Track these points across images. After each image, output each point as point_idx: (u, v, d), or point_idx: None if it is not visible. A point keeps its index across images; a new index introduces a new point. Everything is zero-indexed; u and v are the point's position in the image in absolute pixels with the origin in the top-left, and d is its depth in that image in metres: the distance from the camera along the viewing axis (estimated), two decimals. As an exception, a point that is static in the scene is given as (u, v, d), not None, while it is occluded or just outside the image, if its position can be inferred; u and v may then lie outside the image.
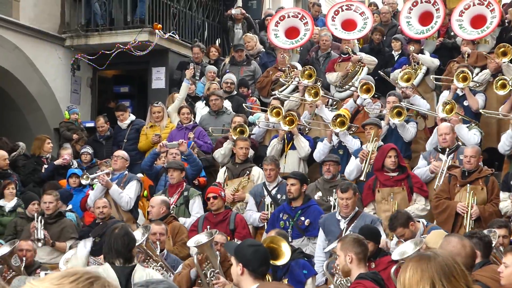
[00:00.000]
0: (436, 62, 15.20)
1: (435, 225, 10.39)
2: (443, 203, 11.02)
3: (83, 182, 12.82)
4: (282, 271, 9.49)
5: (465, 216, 10.78)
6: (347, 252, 7.37)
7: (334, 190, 11.55)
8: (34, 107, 17.38)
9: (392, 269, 8.58)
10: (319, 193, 11.90)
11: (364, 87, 13.87)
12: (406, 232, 9.51)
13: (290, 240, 10.25)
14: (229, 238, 10.85)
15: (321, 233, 10.68)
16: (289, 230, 10.86)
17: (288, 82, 15.18)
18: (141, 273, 7.00)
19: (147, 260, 9.75)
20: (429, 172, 12.01)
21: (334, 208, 11.48)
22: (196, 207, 12.34)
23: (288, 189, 11.22)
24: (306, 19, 16.47)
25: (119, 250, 7.08)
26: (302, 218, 10.94)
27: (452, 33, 16.03)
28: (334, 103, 14.86)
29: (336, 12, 16.30)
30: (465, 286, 4.12)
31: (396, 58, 16.02)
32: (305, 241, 10.98)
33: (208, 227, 10.85)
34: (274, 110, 13.76)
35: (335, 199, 11.50)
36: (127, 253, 7.14)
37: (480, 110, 13.14)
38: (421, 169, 12.15)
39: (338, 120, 12.90)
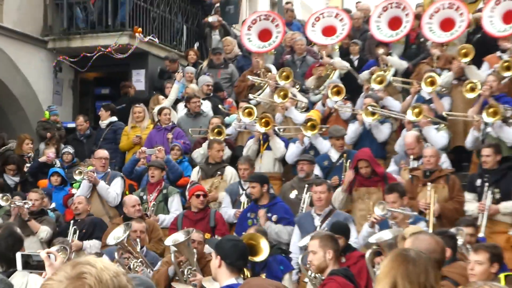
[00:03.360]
0: (404, 64, 15.25)
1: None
2: (408, 203, 11.02)
3: (76, 177, 12.75)
4: (260, 266, 9.49)
5: (427, 213, 10.81)
6: (327, 249, 7.31)
7: (306, 187, 11.60)
8: (17, 108, 17.28)
9: (367, 253, 8.66)
10: (295, 192, 11.88)
11: (335, 89, 13.88)
12: None
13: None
14: (209, 235, 10.86)
15: (296, 230, 10.69)
16: None
17: (264, 84, 15.12)
18: (19, 280, 6.05)
19: (127, 257, 9.77)
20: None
21: (303, 202, 11.54)
22: (175, 205, 12.41)
23: (250, 192, 11.32)
24: (277, 21, 16.49)
25: (3, 253, 6.29)
26: (269, 215, 10.93)
27: (422, 39, 16.02)
28: (303, 105, 14.80)
29: (317, 19, 16.33)
30: None
31: (355, 63, 16.02)
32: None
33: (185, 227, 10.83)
34: (246, 110, 13.77)
35: (308, 195, 11.51)
36: (11, 256, 6.00)
37: (444, 113, 13.18)
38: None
39: (309, 123, 12.92)
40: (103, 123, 15.45)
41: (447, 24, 15.17)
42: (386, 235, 8.78)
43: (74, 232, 11.38)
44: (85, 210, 11.80)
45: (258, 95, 15.04)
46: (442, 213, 10.94)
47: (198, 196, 11.42)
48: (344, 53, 16.58)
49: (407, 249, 4.39)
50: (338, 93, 13.83)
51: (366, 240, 9.83)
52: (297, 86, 15.02)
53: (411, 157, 12.02)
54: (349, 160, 12.28)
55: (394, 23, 15.73)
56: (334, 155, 12.62)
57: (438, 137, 12.56)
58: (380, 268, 4.29)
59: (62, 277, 2.80)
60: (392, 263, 4.23)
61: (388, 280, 4.16)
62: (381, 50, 15.16)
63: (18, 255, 5.72)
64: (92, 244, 11.21)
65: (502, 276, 5.66)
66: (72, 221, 11.61)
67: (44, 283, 2.86)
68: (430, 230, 9.60)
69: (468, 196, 11.23)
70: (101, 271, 2.83)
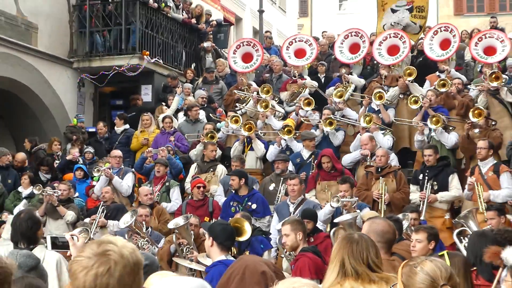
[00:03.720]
0: (362, 81, 15.29)
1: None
2: (363, 194, 11.23)
3: (95, 174, 12.76)
4: (244, 245, 9.54)
5: (379, 202, 10.98)
6: (297, 232, 7.36)
7: (282, 180, 11.71)
8: (48, 116, 17.22)
9: (331, 231, 8.76)
10: (273, 184, 11.90)
11: (306, 101, 13.91)
12: None
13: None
14: (208, 219, 10.93)
15: (275, 216, 10.77)
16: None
17: (247, 98, 15.12)
18: (38, 255, 5.91)
19: (135, 237, 9.81)
20: (358, 153, 12.41)
21: (279, 192, 11.64)
22: (175, 195, 12.48)
23: (230, 184, 11.39)
24: (257, 46, 16.49)
25: (23, 233, 6.25)
26: (249, 203, 10.96)
27: (375, 61, 16.08)
28: (280, 114, 14.81)
29: (290, 43, 16.31)
30: (365, 268, 4.19)
31: (322, 80, 16.06)
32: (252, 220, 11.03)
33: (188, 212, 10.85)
34: (233, 118, 13.78)
35: (283, 187, 11.58)
36: (31, 235, 6.23)
37: (393, 119, 13.27)
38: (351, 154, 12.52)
39: (286, 129, 12.95)
40: (118, 130, 15.43)
41: (393, 50, 15.23)
42: (346, 217, 8.88)
43: (102, 212, 11.40)
44: (110, 198, 11.82)
45: (244, 106, 15.04)
46: (391, 202, 11.08)
47: (199, 187, 11.53)
48: (313, 72, 16.58)
49: (352, 233, 4.45)
50: (308, 104, 13.87)
51: (326, 217, 10.19)
52: (276, 99, 15.00)
53: (368, 157, 12.12)
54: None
55: (354, 48, 15.78)
56: (305, 154, 12.64)
57: (385, 140, 12.63)
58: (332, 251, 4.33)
59: (90, 254, 2.81)
60: (339, 245, 4.29)
61: (337, 259, 4.21)
62: (343, 70, 15.19)
63: (48, 238, 5.69)
64: (114, 224, 11.24)
65: (445, 253, 5.68)
66: (100, 205, 11.63)
67: (74, 259, 2.87)
68: (382, 215, 9.67)
69: (412, 187, 11.38)
70: (122, 248, 2.86)
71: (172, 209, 12.06)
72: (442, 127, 12.24)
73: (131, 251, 2.87)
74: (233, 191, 11.34)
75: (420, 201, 11.01)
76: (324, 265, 7.02)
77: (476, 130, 12.03)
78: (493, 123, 12.30)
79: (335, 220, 9.28)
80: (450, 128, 12.44)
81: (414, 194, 11.19)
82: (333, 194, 10.72)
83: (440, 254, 5.84)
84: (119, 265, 2.79)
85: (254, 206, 10.98)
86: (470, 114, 12.06)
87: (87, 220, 11.50)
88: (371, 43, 15.77)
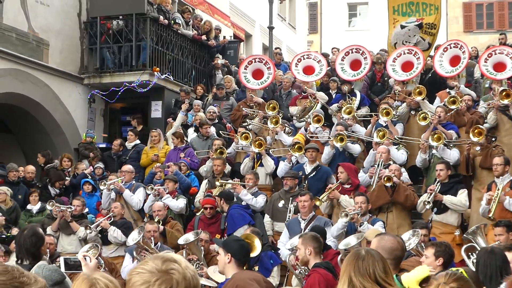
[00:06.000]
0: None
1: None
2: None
3: (101, 187, 12.80)
4: (254, 260, 9.56)
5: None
6: (307, 246, 7.37)
7: (291, 199, 11.69)
8: (59, 132, 17.32)
9: (339, 258, 8.73)
10: (282, 202, 11.88)
11: (316, 118, 13.92)
12: None
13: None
14: (219, 236, 10.94)
15: (285, 231, 10.80)
16: None
17: (255, 114, 15.14)
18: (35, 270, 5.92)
19: (144, 254, 9.82)
20: (368, 178, 12.23)
21: (289, 212, 11.60)
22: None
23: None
24: (269, 64, 16.51)
25: (28, 249, 6.19)
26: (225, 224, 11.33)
27: (386, 78, 16.10)
28: (290, 130, 14.81)
29: (299, 60, 16.35)
30: (374, 284, 4.18)
31: (334, 96, 16.10)
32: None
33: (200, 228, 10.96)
34: (243, 135, 13.81)
35: (293, 205, 11.56)
36: (35, 252, 6.19)
37: (395, 137, 13.27)
38: (362, 176, 12.33)
39: (296, 146, 12.94)
40: (129, 145, 15.48)
41: (407, 66, 15.28)
42: (352, 240, 8.90)
43: (109, 218, 11.70)
44: (119, 213, 11.89)
45: (251, 122, 15.07)
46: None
47: (205, 208, 11.62)
48: (325, 88, 16.60)
49: (359, 249, 4.44)
50: (318, 121, 13.90)
51: (339, 231, 10.24)
52: (280, 115, 14.94)
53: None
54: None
55: (355, 64, 15.84)
56: (308, 169, 12.66)
57: (399, 154, 12.68)
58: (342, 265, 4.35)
59: (153, 269, 2.77)
60: (346, 262, 4.28)
61: (345, 276, 4.21)
62: (345, 87, 15.23)
63: (61, 259, 5.74)
64: (116, 231, 11.46)
65: (463, 270, 5.67)
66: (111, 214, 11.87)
67: (135, 270, 2.82)
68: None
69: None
70: (185, 269, 2.81)
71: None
72: (444, 144, 12.25)
73: (193, 274, 2.83)
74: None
75: (428, 194, 11.15)
76: (336, 281, 7.03)
77: (477, 148, 12.04)
78: (493, 139, 12.33)
79: (340, 247, 9.25)
80: (451, 145, 12.46)
81: (421, 205, 11.38)
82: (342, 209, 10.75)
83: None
84: (180, 286, 2.75)
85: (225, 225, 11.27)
86: (471, 134, 12.04)
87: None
88: (384, 62, 15.81)
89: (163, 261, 2.79)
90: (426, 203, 11.12)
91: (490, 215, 10.39)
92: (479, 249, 8.09)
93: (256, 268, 9.82)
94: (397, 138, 13.20)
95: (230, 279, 5.76)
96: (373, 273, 4.21)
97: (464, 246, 8.85)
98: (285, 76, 16.79)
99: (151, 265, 2.78)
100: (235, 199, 12.04)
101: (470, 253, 8.40)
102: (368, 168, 12.40)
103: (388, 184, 11.16)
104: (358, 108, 15.00)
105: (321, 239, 7.79)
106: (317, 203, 11.25)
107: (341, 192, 11.58)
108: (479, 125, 12.36)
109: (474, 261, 7.33)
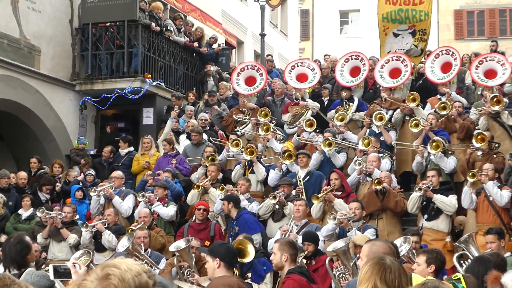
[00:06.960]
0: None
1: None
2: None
3: (91, 193, 12.76)
4: (247, 267, 9.54)
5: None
6: (283, 252, 7.16)
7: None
8: (50, 138, 17.28)
9: (326, 260, 8.74)
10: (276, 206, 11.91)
11: (308, 122, 13.95)
12: None
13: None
14: (208, 243, 10.87)
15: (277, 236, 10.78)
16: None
17: (247, 120, 15.15)
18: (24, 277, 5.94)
19: (134, 259, 9.76)
20: (356, 174, 12.40)
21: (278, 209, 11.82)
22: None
23: (222, 208, 11.71)
24: (261, 70, 16.56)
25: (13, 257, 6.16)
26: (236, 228, 11.13)
27: (378, 85, 16.12)
28: (281, 137, 14.80)
29: (293, 67, 16.39)
30: None
31: (326, 103, 16.10)
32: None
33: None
34: (234, 142, 13.78)
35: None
36: (20, 260, 6.14)
37: (393, 143, 13.32)
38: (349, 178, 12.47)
39: (286, 154, 12.91)
40: (123, 152, 15.39)
41: (395, 73, 15.30)
42: (339, 244, 8.88)
43: (104, 223, 11.66)
44: (113, 220, 11.88)
45: (242, 128, 15.05)
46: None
47: (199, 209, 11.56)
48: (317, 96, 16.67)
49: (383, 257, 4.36)
50: (311, 125, 13.93)
51: (328, 233, 10.30)
52: (273, 122, 14.95)
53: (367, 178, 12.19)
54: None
55: (354, 71, 15.86)
56: (301, 174, 12.65)
57: (383, 163, 12.68)
58: (361, 272, 4.26)
59: (93, 278, 2.84)
60: (372, 269, 4.21)
61: (369, 283, 4.15)
62: (344, 93, 15.25)
63: (50, 266, 5.71)
64: (111, 236, 11.46)
65: (461, 277, 5.65)
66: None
67: (81, 282, 2.89)
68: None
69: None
70: (124, 272, 2.85)
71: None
72: (442, 151, 12.26)
73: (135, 275, 2.86)
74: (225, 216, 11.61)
75: (420, 188, 11.18)
76: (310, 284, 6.98)
77: (479, 153, 12.06)
78: (496, 145, 12.33)
79: (328, 249, 9.23)
80: (450, 152, 12.45)
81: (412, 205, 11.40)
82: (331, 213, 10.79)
83: (454, 277, 5.82)
84: None
85: (236, 229, 11.13)
86: (474, 140, 12.06)
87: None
88: (372, 69, 15.84)
89: (102, 268, 2.87)
90: (417, 189, 11.14)
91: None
92: (471, 257, 8.10)
93: (249, 274, 9.82)
94: (393, 145, 13.34)
95: (208, 285, 5.70)
96: (398, 286, 4.17)
97: (456, 254, 8.88)
98: (278, 83, 16.78)
99: (92, 275, 2.86)
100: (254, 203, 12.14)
101: (462, 261, 8.41)
102: (353, 178, 12.51)
103: (378, 187, 11.19)
104: (356, 113, 15.07)
105: (297, 246, 7.69)
106: (315, 201, 11.29)
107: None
108: (483, 132, 12.38)
109: (465, 269, 7.34)
